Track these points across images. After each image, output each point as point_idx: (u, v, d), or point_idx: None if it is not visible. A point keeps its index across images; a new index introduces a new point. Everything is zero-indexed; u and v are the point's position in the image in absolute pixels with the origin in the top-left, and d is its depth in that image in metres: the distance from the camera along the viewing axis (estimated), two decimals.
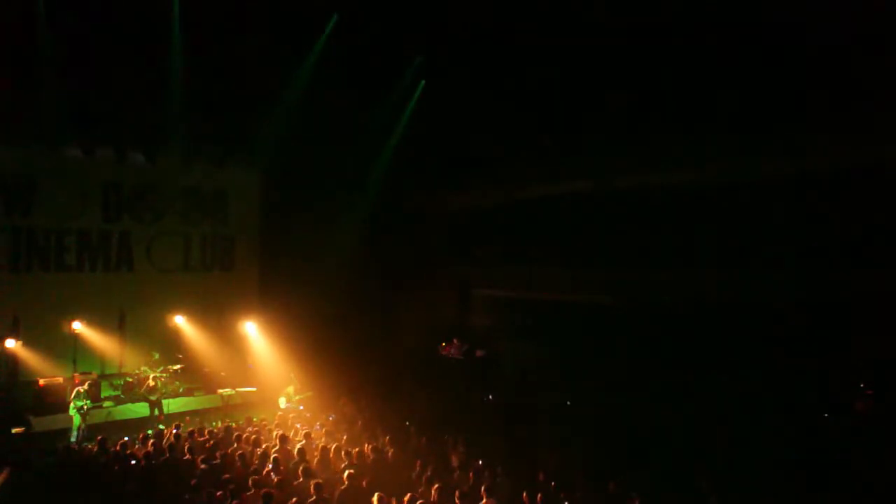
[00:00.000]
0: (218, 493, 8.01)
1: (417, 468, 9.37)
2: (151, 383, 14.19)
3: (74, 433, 12.49)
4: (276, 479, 8.58)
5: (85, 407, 12.62)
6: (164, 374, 14.90)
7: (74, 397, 12.66)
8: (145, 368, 15.05)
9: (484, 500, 7.85)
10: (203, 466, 9.15)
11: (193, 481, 8.58)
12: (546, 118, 15.08)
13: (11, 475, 9.50)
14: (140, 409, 14.24)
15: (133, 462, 9.68)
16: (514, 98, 15.15)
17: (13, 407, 13.42)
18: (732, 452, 10.26)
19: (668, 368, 12.88)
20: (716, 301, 12.71)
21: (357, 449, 10.20)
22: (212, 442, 10.50)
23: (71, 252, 16.01)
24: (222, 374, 15.90)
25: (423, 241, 19.14)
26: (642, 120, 13.27)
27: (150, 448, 10.19)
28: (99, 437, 10.73)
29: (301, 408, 14.26)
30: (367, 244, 18.31)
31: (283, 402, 14.46)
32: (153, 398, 14.01)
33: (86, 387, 12.92)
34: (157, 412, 13.93)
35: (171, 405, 14.44)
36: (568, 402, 14.12)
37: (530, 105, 15.07)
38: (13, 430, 12.65)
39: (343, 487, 8.16)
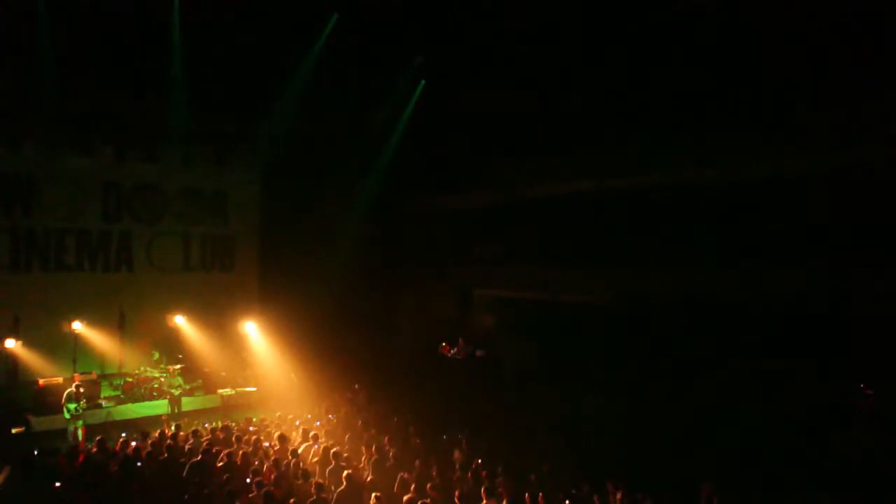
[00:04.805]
0: (218, 493, 8.00)
1: (417, 468, 9.36)
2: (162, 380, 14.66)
3: (70, 434, 12.12)
4: (275, 479, 8.58)
5: (80, 409, 12.06)
6: (166, 374, 14.99)
7: (66, 401, 12.04)
8: (145, 368, 15.04)
9: (484, 502, 7.84)
10: (203, 467, 9.14)
11: (193, 481, 8.57)
12: (546, 118, 15.07)
13: (12, 475, 9.50)
14: (140, 409, 14.21)
15: (133, 462, 9.66)
16: (515, 98, 15.13)
17: (13, 407, 13.38)
18: (733, 453, 10.25)
19: (668, 368, 12.88)
20: (716, 301, 12.70)
21: (356, 449, 10.19)
22: (211, 442, 10.48)
23: (71, 252, 16.04)
24: (222, 374, 15.91)
25: (423, 241, 19.13)
26: (642, 120, 13.26)
27: (150, 448, 10.18)
28: (98, 437, 10.68)
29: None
30: (367, 244, 18.30)
31: None
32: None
33: (75, 389, 12.17)
34: (176, 410, 14.12)
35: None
36: (567, 402, 14.10)
37: (530, 105, 15.06)
38: (13, 430, 12.62)
39: (343, 487, 8.15)
